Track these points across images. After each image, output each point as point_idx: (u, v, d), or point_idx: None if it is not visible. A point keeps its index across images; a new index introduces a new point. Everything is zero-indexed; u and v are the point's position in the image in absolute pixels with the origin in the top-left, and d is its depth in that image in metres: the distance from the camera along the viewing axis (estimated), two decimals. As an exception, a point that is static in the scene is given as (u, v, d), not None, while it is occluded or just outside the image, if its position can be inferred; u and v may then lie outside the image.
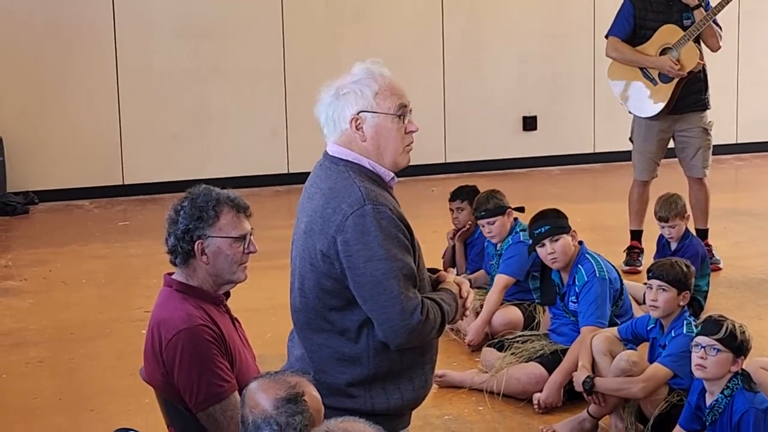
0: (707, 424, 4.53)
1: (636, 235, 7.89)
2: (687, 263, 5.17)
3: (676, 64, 7.43)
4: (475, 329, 6.24)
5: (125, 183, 10.71)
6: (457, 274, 6.94)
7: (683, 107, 7.62)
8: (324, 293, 3.67)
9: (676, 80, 7.49)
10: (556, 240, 5.69)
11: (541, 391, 5.51)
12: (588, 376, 5.07)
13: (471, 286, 6.65)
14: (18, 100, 10.39)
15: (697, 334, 4.53)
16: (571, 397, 5.47)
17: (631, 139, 7.92)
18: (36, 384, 6.07)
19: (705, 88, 7.69)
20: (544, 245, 5.72)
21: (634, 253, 7.80)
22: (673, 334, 5.00)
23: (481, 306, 6.35)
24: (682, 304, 5.06)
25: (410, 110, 3.73)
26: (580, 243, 5.78)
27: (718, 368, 4.45)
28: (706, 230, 7.80)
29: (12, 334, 6.86)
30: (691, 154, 7.71)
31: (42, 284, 7.92)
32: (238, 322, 4.01)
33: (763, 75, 12.13)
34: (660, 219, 6.73)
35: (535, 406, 5.48)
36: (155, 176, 10.69)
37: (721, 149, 10.82)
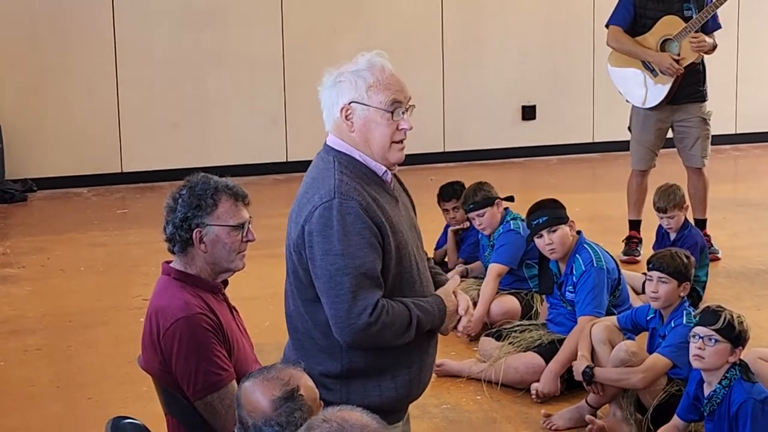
0: (705, 414, 4.53)
1: (635, 224, 7.89)
2: (687, 254, 5.17)
3: (677, 63, 7.41)
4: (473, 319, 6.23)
5: (124, 171, 10.70)
6: (449, 266, 7.01)
7: (682, 98, 7.61)
8: (299, 283, 3.65)
9: (676, 73, 7.49)
10: (554, 231, 5.69)
11: (539, 380, 5.51)
12: (588, 366, 5.07)
13: (467, 275, 6.70)
14: (17, 87, 10.38)
15: (696, 325, 4.52)
16: (569, 387, 5.47)
17: (629, 129, 7.92)
18: (34, 371, 6.07)
19: (703, 79, 7.68)
20: (542, 236, 5.72)
21: (632, 242, 7.80)
22: (672, 325, 5.00)
23: (478, 296, 6.35)
24: (682, 294, 5.06)
25: (408, 107, 3.64)
26: (579, 233, 5.78)
27: (716, 358, 4.44)
28: (705, 220, 7.81)
29: (10, 321, 6.86)
30: (690, 144, 7.70)
31: (40, 272, 7.92)
32: (236, 311, 4.01)
33: (763, 66, 12.12)
34: (658, 210, 6.73)
35: (533, 396, 5.48)
36: (154, 164, 10.69)
37: (720, 139, 10.81)
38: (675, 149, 7.87)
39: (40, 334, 6.63)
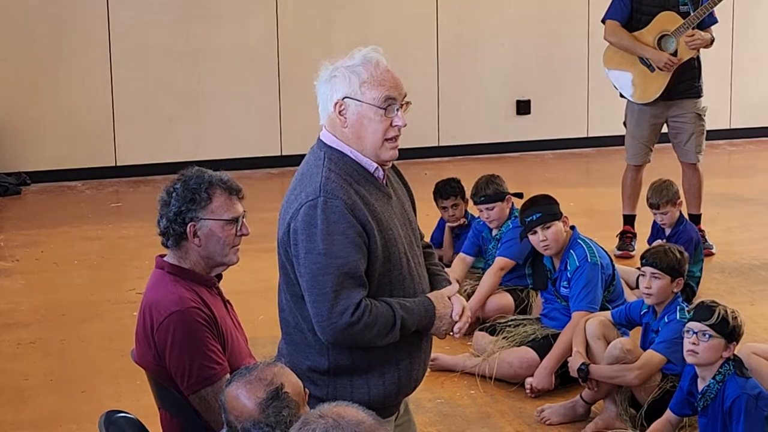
0: (698, 409, 4.54)
1: (629, 219, 7.90)
2: (680, 249, 5.17)
3: (673, 60, 7.41)
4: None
5: (117, 164, 10.68)
6: (444, 261, 6.99)
7: (677, 93, 7.61)
8: (288, 279, 3.64)
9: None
10: (548, 227, 5.68)
11: (532, 375, 5.51)
12: (583, 363, 5.07)
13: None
14: (10, 80, 10.34)
15: (690, 320, 4.53)
16: (563, 382, 5.48)
17: (624, 124, 7.92)
18: (27, 365, 6.06)
19: (698, 75, 7.68)
20: (536, 232, 5.71)
21: (626, 237, 7.80)
22: (666, 320, 5.01)
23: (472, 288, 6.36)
24: (675, 290, 5.06)
25: (403, 104, 3.61)
26: (573, 228, 5.78)
27: (710, 354, 4.45)
28: (699, 216, 7.81)
29: (3, 314, 6.85)
30: (685, 140, 7.71)
31: (34, 265, 7.91)
32: (230, 305, 4.00)
33: (757, 61, 12.12)
34: (651, 206, 6.74)
35: (527, 391, 5.49)
36: (147, 158, 10.66)
37: (715, 135, 10.82)
38: (669, 144, 7.88)
39: (34, 327, 6.63)
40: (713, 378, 4.47)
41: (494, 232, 6.55)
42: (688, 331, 4.49)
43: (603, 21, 7.76)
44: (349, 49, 3.69)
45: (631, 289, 6.28)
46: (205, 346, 3.68)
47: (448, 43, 11.33)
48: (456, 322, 3.71)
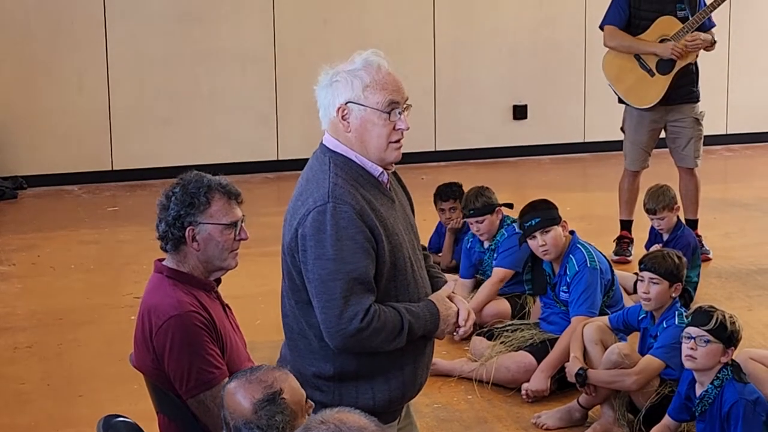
0: (696, 414, 4.54)
1: (626, 224, 7.90)
2: (679, 255, 5.17)
3: (678, 46, 7.41)
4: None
5: (114, 168, 10.67)
6: (442, 265, 7.00)
7: (675, 98, 7.62)
8: (293, 285, 3.63)
9: (674, 71, 7.48)
10: (547, 232, 5.68)
11: (530, 380, 5.51)
12: (581, 368, 5.07)
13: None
14: (7, 84, 10.33)
15: (688, 325, 4.53)
16: (560, 387, 5.48)
17: (622, 129, 7.92)
18: (24, 369, 6.06)
19: (696, 80, 7.69)
20: (535, 237, 5.71)
21: (623, 242, 7.80)
22: (664, 325, 5.01)
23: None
24: (673, 295, 5.06)
25: (405, 107, 3.61)
26: (572, 233, 5.78)
27: (708, 359, 4.45)
28: (696, 221, 7.81)
29: (0, 319, 6.83)
30: (683, 145, 7.71)
31: (31, 269, 7.90)
32: (229, 309, 4.00)
33: (754, 66, 12.13)
34: (648, 211, 6.74)
35: (524, 395, 5.48)
36: (144, 162, 10.65)
37: (711, 140, 10.81)
38: (666, 149, 7.88)
39: (31, 331, 6.62)
40: (711, 383, 4.47)
41: (486, 244, 6.54)
42: (686, 337, 4.49)
43: (601, 27, 7.75)
44: (347, 54, 3.67)
45: (629, 294, 6.29)
46: (203, 350, 3.68)
47: (445, 47, 11.33)
48: (461, 326, 3.71)
